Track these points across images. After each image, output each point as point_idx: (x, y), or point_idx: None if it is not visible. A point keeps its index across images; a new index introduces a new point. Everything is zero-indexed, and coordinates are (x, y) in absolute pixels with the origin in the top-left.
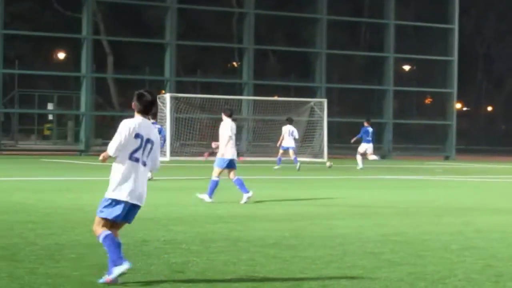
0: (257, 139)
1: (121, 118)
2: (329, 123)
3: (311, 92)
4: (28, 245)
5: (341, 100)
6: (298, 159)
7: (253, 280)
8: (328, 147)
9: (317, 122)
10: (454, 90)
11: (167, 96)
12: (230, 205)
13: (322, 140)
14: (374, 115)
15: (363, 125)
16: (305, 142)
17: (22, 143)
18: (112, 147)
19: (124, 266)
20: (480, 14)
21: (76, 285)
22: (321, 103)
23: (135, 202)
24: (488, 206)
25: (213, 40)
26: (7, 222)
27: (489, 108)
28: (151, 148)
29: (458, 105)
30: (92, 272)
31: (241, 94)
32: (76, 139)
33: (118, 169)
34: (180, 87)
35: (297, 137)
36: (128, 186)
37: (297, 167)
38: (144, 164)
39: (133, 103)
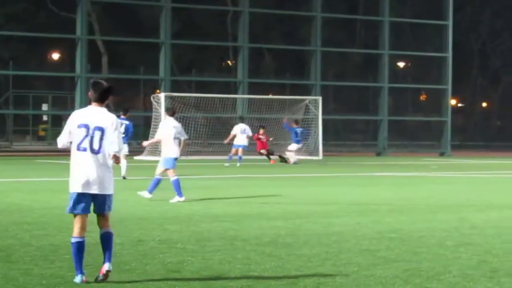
0: (253, 138)
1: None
2: (324, 120)
3: (306, 90)
4: (23, 246)
5: (336, 97)
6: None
7: (249, 278)
8: (324, 144)
9: (312, 120)
10: (449, 87)
11: (162, 96)
12: (226, 204)
13: (317, 138)
14: (369, 112)
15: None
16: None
17: (17, 144)
18: (59, 141)
19: (76, 279)
20: (475, 10)
21: (71, 286)
22: (316, 101)
23: (92, 192)
24: (483, 202)
25: (208, 39)
26: (2, 223)
27: (484, 104)
28: (102, 135)
29: (453, 102)
30: (87, 273)
31: (236, 93)
32: None
33: (71, 162)
34: (175, 87)
35: (250, 134)
36: (81, 177)
37: (237, 164)
38: (96, 152)
39: (89, 93)
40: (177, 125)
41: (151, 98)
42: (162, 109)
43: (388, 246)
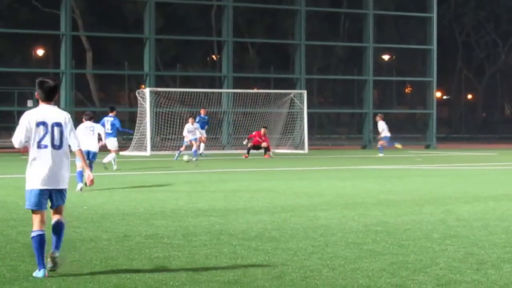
0: (238, 132)
1: (102, 113)
2: (309, 114)
3: (291, 84)
4: (9, 242)
5: (321, 91)
6: (278, 151)
7: (235, 272)
8: (309, 138)
9: (297, 113)
10: (434, 79)
11: (147, 91)
12: (211, 199)
13: (302, 132)
14: (354, 105)
15: (199, 114)
16: (286, 133)
17: (2, 141)
18: (15, 141)
19: (39, 273)
20: (459, 2)
21: (58, 281)
22: (301, 95)
23: (52, 187)
24: (469, 195)
25: (192, 33)
26: None
27: (469, 96)
28: (61, 130)
29: (438, 94)
30: (73, 268)
31: (220, 87)
32: None
33: (30, 159)
34: (159, 82)
35: (201, 130)
36: (40, 173)
37: (194, 159)
38: (58, 148)
39: (36, 93)
40: (89, 124)
41: (136, 93)
42: (147, 104)
43: (375, 239)
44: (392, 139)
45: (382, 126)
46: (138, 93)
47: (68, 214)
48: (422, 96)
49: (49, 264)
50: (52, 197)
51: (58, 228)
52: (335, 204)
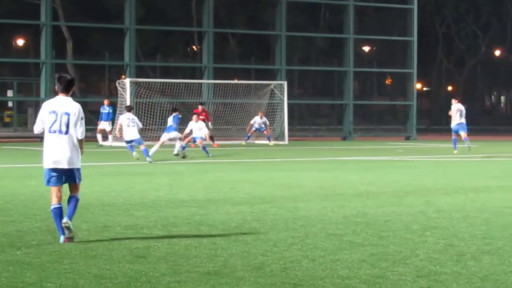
0: (218, 123)
1: (82, 104)
2: (289, 105)
3: (271, 75)
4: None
5: (302, 82)
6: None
7: (215, 263)
8: (289, 129)
9: (278, 104)
10: (414, 70)
11: (127, 81)
12: (191, 189)
13: (283, 123)
14: (335, 97)
15: (102, 104)
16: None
17: None
18: (34, 127)
19: (60, 239)
20: None
21: (38, 272)
22: (281, 86)
23: (60, 166)
24: (449, 186)
25: (172, 24)
26: None
27: (450, 88)
28: (68, 119)
29: (418, 85)
30: (53, 259)
31: (201, 78)
32: None
33: (44, 143)
34: (140, 72)
35: (140, 126)
36: (50, 154)
37: (134, 156)
38: (65, 133)
39: (55, 86)
40: None
41: (116, 83)
42: (127, 95)
43: (355, 230)
44: None
45: None
46: (119, 83)
47: (48, 204)
48: (403, 88)
49: (66, 232)
50: (65, 175)
51: (71, 201)
52: (315, 195)
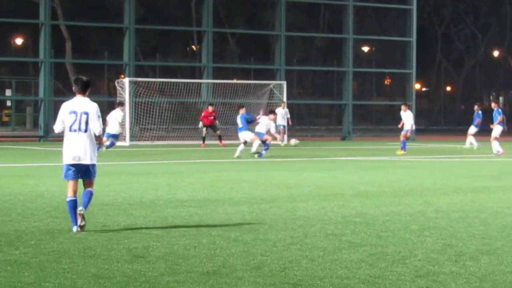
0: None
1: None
2: (288, 105)
3: (270, 75)
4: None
5: (301, 82)
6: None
7: (214, 263)
8: (288, 129)
9: (277, 104)
10: (413, 71)
11: (126, 81)
12: (190, 189)
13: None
14: (334, 97)
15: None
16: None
17: None
18: (55, 127)
19: (73, 229)
20: None
21: (36, 271)
22: (280, 86)
23: (77, 162)
24: (448, 186)
25: (172, 24)
26: None
27: (448, 88)
28: (87, 118)
29: (417, 86)
30: (51, 259)
31: (200, 78)
32: (35, 125)
33: (64, 141)
34: (139, 72)
35: (120, 121)
36: (70, 151)
37: (103, 150)
38: (84, 131)
39: (73, 88)
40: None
41: (116, 83)
42: (126, 94)
43: (354, 230)
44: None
45: None
46: (118, 83)
47: (47, 204)
48: (402, 88)
49: (79, 221)
50: (81, 171)
51: (85, 194)
52: (314, 195)
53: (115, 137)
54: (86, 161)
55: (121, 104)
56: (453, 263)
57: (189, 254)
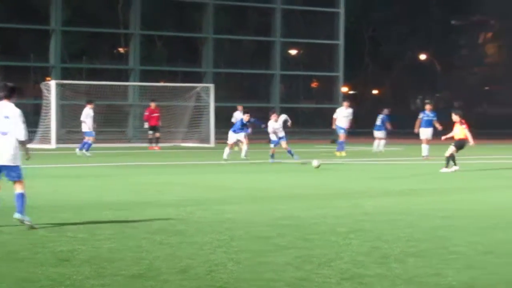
0: (144, 125)
1: None
2: (216, 108)
3: (198, 77)
4: None
5: (229, 85)
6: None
7: (140, 266)
8: (216, 132)
9: (204, 107)
10: (341, 74)
11: (52, 83)
12: (117, 192)
13: (209, 126)
14: (261, 99)
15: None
16: (192, 127)
17: None
18: None
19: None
20: None
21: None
22: (208, 88)
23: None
24: (375, 189)
25: (99, 26)
26: None
27: (376, 92)
28: (9, 122)
29: (345, 89)
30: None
31: (127, 80)
32: None
33: None
34: (65, 74)
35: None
36: None
37: (77, 152)
38: (4, 134)
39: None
40: None
41: (41, 85)
42: (52, 97)
43: (280, 233)
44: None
45: None
46: (43, 85)
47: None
48: (329, 91)
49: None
50: (5, 171)
51: (17, 198)
52: (242, 197)
53: (91, 134)
54: (6, 162)
55: (90, 102)
56: (379, 265)
57: (115, 257)
